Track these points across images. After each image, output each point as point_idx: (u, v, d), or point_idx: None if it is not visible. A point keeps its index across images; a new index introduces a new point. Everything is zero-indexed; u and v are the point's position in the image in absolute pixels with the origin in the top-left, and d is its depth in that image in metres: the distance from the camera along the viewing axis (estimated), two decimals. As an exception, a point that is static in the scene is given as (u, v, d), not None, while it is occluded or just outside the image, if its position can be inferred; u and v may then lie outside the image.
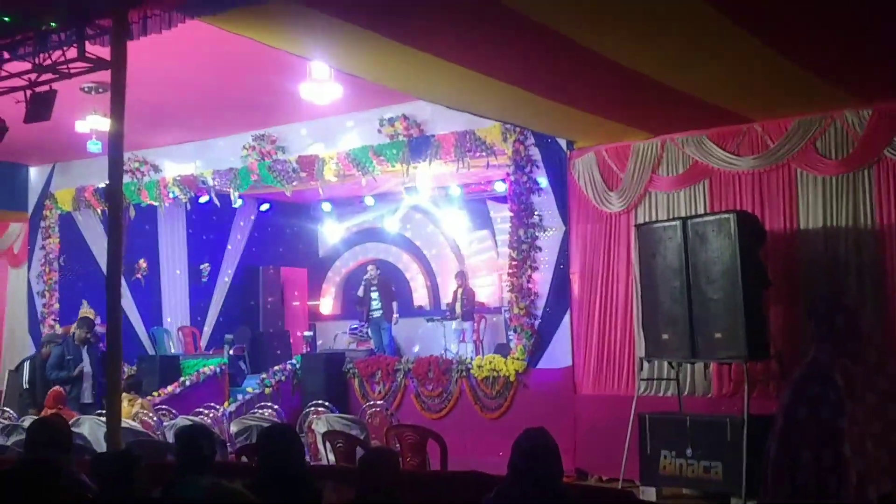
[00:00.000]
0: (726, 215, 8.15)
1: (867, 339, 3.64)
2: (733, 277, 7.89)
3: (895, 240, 8.14)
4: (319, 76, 9.03)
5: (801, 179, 8.65)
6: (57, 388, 10.39)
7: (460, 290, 14.07)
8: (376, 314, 14.00)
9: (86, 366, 11.25)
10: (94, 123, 10.56)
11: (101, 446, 7.93)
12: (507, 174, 10.57)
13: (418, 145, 10.79)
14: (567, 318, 10.00)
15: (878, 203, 8.24)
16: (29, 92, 7.45)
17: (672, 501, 8.22)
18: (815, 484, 3.47)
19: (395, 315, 14.09)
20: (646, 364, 8.96)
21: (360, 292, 14.25)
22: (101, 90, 9.51)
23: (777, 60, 6.94)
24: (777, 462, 3.62)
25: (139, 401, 10.59)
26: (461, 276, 14.50)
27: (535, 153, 10.24)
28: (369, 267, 14.53)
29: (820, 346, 3.75)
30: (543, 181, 10.24)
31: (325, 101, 9.32)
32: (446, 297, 15.44)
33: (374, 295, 14.03)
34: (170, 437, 8.70)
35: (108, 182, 7.40)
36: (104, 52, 6.85)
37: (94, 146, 10.92)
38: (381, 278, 14.28)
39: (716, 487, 7.75)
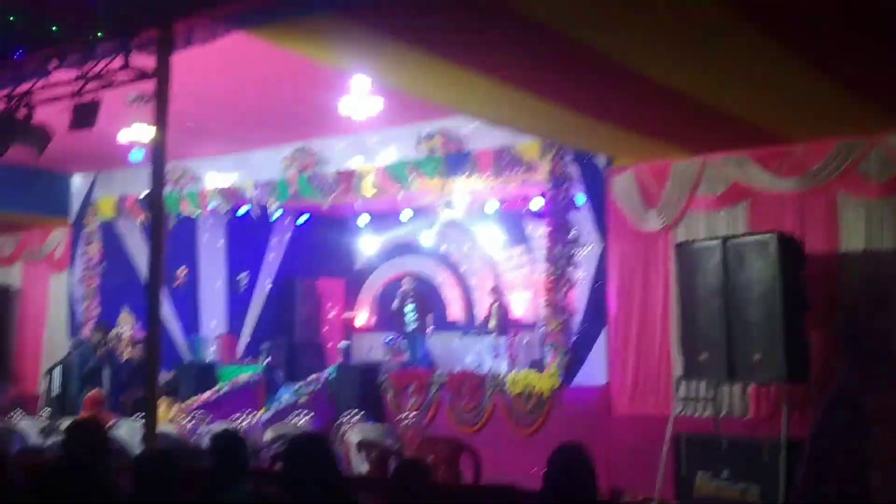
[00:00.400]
0: (767, 237, 8.07)
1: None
2: (773, 299, 7.80)
3: (938, 264, 8.03)
4: (359, 91, 9.11)
5: (843, 202, 8.55)
6: (95, 390, 10.52)
7: (495, 305, 14.04)
8: (411, 326, 14.02)
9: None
10: (136, 133, 10.71)
11: (137, 450, 8.02)
12: (544, 191, 10.57)
13: (456, 161, 10.83)
14: (603, 335, 9.95)
15: (921, 227, 8.14)
16: (74, 101, 7.58)
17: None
18: None
19: (430, 328, 14.10)
20: (683, 384, 8.88)
21: (396, 304, 14.30)
22: (145, 101, 9.66)
23: (819, 81, 6.89)
24: (804, 489, 3.57)
25: (176, 405, 10.70)
26: (496, 290, 14.48)
27: (573, 170, 10.22)
28: (405, 279, 14.57)
29: (848, 372, 3.70)
30: (581, 198, 10.22)
31: (364, 116, 9.39)
32: (481, 312, 15.44)
33: (410, 307, 14.05)
34: (204, 443, 8.78)
35: (149, 191, 7.51)
36: (149, 63, 6.97)
37: (137, 156, 11.08)
38: (417, 291, 14.30)
39: (751, 511, 7.65)
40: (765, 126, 8.27)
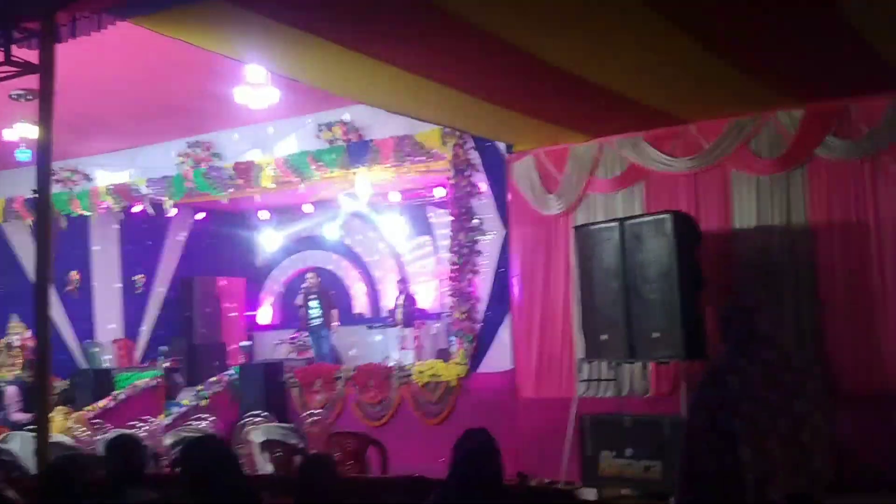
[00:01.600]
0: (662, 216, 8.21)
1: (767, 339, 3.60)
2: (669, 278, 7.94)
3: (827, 238, 8.30)
4: (255, 80, 8.91)
5: (736, 180, 8.78)
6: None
7: (402, 297, 14.00)
8: (315, 322, 13.84)
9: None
10: (22, 131, 10.27)
11: (31, 461, 7.68)
12: (447, 179, 10.55)
13: (357, 150, 10.71)
14: (508, 321, 10.00)
15: (810, 202, 8.40)
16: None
17: (613, 502, 8.23)
18: (715, 489, 3.46)
19: (335, 323, 13.95)
20: (585, 365, 8.99)
21: (299, 301, 14.10)
22: (29, 97, 9.26)
23: (711, 61, 7.02)
24: (682, 463, 3.61)
25: (73, 415, 10.32)
26: (403, 282, 14.44)
27: (475, 157, 10.23)
28: (308, 275, 14.38)
29: (719, 350, 3.76)
30: (483, 185, 10.24)
31: (261, 105, 9.19)
32: (387, 304, 15.37)
33: (314, 303, 13.88)
34: (102, 451, 8.47)
35: (36, 192, 7.19)
36: (33, 57, 6.65)
37: (23, 155, 10.63)
38: (321, 286, 14.13)
39: (655, 487, 7.76)
40: (659, 107, 8.41)
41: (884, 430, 7.57)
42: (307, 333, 14.17)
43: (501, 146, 10.12)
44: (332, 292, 14.56)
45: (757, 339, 3.63)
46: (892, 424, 7.63)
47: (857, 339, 8.07)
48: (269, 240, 16.64)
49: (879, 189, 8.09)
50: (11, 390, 10.54)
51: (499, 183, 10.14)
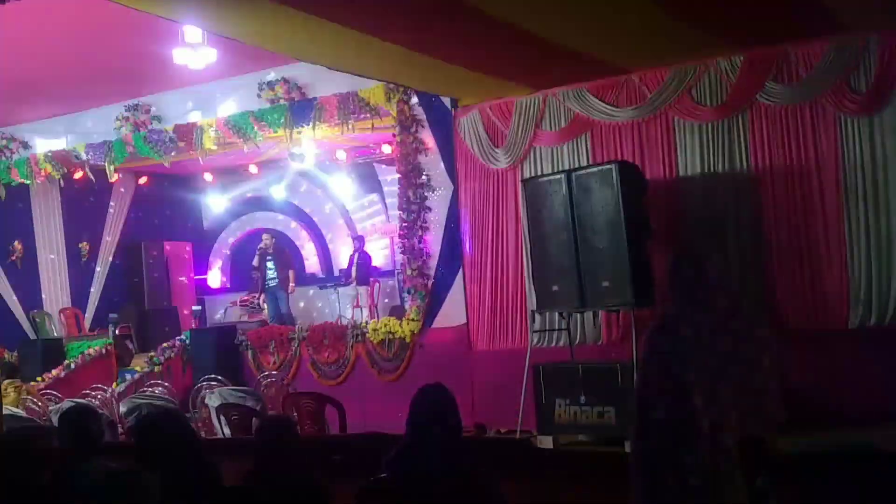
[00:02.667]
0: (608, 166, 8.30)
1: (716, 286, 3.66)
2: (617, 227, 8.05)
3: (770, 183, 8.45)
4: (192, 40, 8.75)
5: (679, 128, 8.87)
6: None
7: (356, 255, 13.99)
8: (272, 283, 13.74)
9: None
10: (-47, 99, 9.99)
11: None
12: (393, 136, 10.49)
13: (300, 109, 10.59)
14: (460, 276, 10.05)
15: (752, 148, 8.53)
16: None
17: (568, 449, 8.39)
18: (669, 439, 3.53)
19: (292, 284, 13.87)
20: (537, 316, 9.09)
21: (256, 262, 13.93)
22: (-42, 63, 8.98)
23: (651, 10, 7.05)
24: (636, 417, 3.68)
25: (24, 387, 10.18)
26: (359, 240, 14.41)
27: (420, 113, 10.18)
28: (264, 236, 14.21)
29: (669, 299, 3.81)
30: (430, 141, 10.20)
31: (200, 65, 9.03)
32: (339, 264, 15.32)
33: (270, 264, 13.75)
34: (56, 422, 8.39)
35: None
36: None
37: (-44, 124, 10.35)
38: (277, 247, 14.02)
39: (610, 432, 7.93)
40: (601, 57, 8.44)
41: (828, 368, 7.80)
42: (263, 295, 14.06)
43: (447, 101, 10.08)
44: (289, 255, 14.44)
45: (706, 287, 3.67)
46: (835, 361, 7.86)
47: (801, 281, 8.27)
48: (215, 202, 16.43)
49: (819, 133, 8.24)
50: None
51: (446, 138, 10.12)
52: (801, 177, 8.32)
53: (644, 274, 8.07)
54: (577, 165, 9.05)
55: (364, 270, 13.88)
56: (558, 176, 8.60)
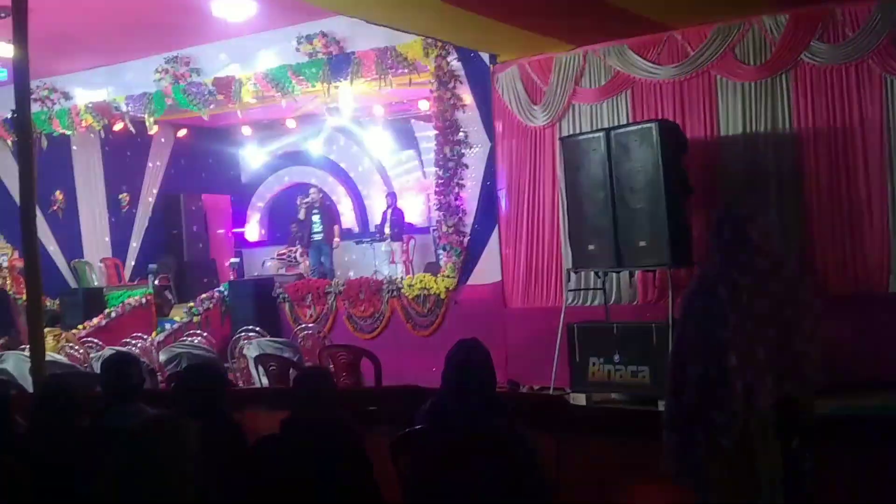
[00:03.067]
0: (648, 125, 8.21)
1: (759, 248, 3.62)
2: (656, 186, 7.98)
3: (812, 144, 8.31)
4: (233, -8, 8.73)
5: (721, 86, 8.73)
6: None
7: (389, 211, 14.02)
8: (317, 237, 13.84)
9: None
10: (-3, 50, 10.05)
11: (26, 381, 7.76)
12: (431, 91, 10.43)
13: (338, 63, 10.55)
14: (495, 233, 10.04)
15: (795, 108, 8.38)
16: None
17: (602, 405, 8.41)
18: (702, 398, 3.53)
19: (337, 239, 13.97)
20: (573, 275, 9.07)
21: (302, 215, 14.03)
22: (3, 15, 9.03)
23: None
24: (671, 370, 3.68)
25: (64, 335, 10.37)
26: (391, 196, 14.43)
27: (458, 68, 10.10)
28: (311, 190, 14.27)
29: (709, 259, 3.78)
30: (468, 97, 10.14)
31: (240, 18, 9.04)
32: (374, 220, 15.37)
33: (316, 218, 13.84)
34: (97, 369, 8.56)
35: (15, 111, 7.11)
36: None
37: (-1, 74, 10.45)
38: (323, 201, 14.09)
39: (643, 391, 7.94)
40: (644, 14, 8.30)
41: (867, 330, 7.72)
42: (301, 248, 14.14)
43: (485, 57, 9.99)
44: (335, 210, 14.49)
45: (748, 248, 3.64)
46: (874, 324, 7.78)
47: (841, 243, 8.18)
48: (252, 156, 16.52)
49: (864, 94, 8.08)
50: None
51: (483, 95, 10.05)
52: (845, 139, 8.18)
53: (682, 234, 8.02)
54: (616, 124, 8.96)
55: (398, 226, 13.93)
56: (597, 134, 8.52)
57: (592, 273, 8.98)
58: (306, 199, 14.03)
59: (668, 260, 7.94)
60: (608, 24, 8.57)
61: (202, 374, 4.50)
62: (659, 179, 7.95)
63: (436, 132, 10.35)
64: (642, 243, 8.07)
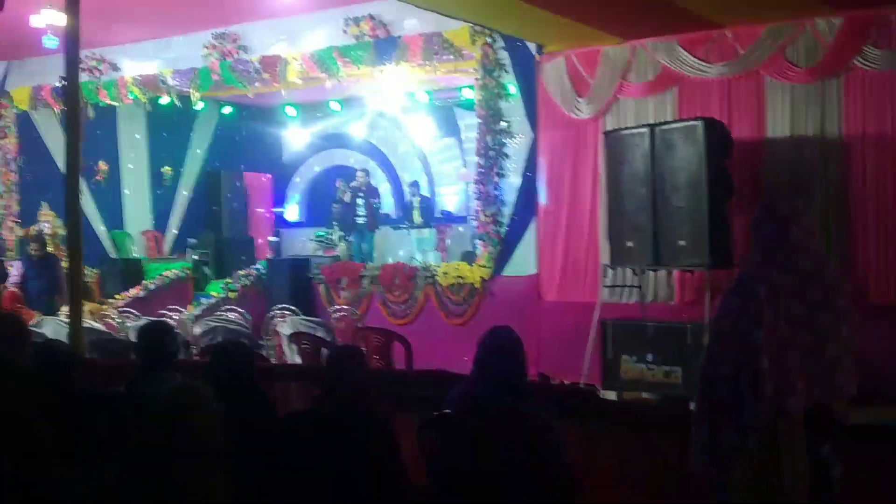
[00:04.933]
0: (694, 123, 8.12)
1: (799, 247, 3.56)
2: (698, 186, 7.90)
3: (860, 150, 8.19)
4: (283, -29, 8.76)
5: (770, 87, 8.62)
6: (11, 288, 10.20)
7: (416, 199, 14.07)
8: (360, 220, 13.90)
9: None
10: (49, 18, 10.17)
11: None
12: (475, 79, 10.41)
13: (384, 47, 10.56)
14: (533, 225, 10.01)
15: (845, 113, 8.26)
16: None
17: (633, 400, 8.37)
18: (733, 397, 3.49)
19: (378, 224, 14.05)
20: (609, 271, 9.02)
21: (348, 198, 14.08)
22: (56, -16, 9.17)
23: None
24: (702, 375, 3.64)
25: (89, 307, 10.50)
26: (414, 185, 14.55)
27: (504, 57, 10.05)
28: (358, 173, 14.30)
29: (750, 258, 3.72)
30: (512, 87, 10.10)
31: (289, -3, 9.05)
32: (411, 206, 15.40)
33: (360, 201, 13.90)
34: (133, 338, 8.67)
35: (64, 80, 7.21)
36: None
37: (50, 42, 10.54)
38: (368, 185, 14.15)
39: (675, 391, 7.89)
40: (694, 10, 8.21)
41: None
42: (345, 232, 14.20)
43: (532, 47, 9.94)
44: (378, 191, 14.54)
45: (789, 249, 3.59)
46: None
47: (884, 251, 8.05)
48: (295, 136, 16.61)
49: (917, 102, 7.94)
50: (17, 266, 10.64)
51: (528, 85, 10.00)
52: (894, 146, 8.04)
53: (723, 235, 7.94)
54: (661, 120, 8.88)
55: (432, 214, 13.96)
56: (642, 130, 8.45)
57: (629, 270, 8.92)
58: (353, 183, 14.08)
59: (707, 261, 7.86)
60: (658, 18, 8.48)
61: (235, 346, 4.55)
62: (702, 178, 7.86)
63: (478, 121, 10.32)
64: (682, 242, 7.99)
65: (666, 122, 8.59)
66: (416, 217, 14.11)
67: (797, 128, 8.45)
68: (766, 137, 8.60)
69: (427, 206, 14.37)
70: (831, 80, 8.31)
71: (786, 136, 8.49)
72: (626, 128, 8.89)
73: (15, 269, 10.38)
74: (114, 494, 3.16)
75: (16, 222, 13.56)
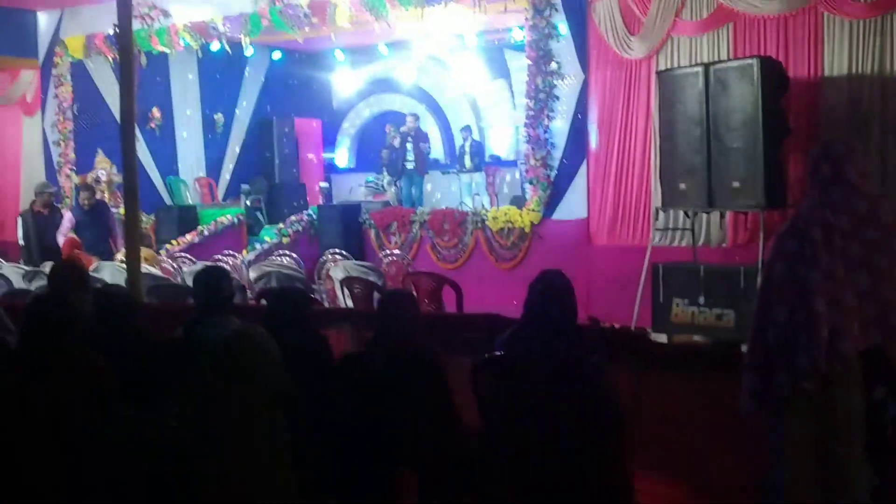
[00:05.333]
0: (749, 61, 7.93)
1: (855, 188, 3.49)
2: (753, 126, 7.74)
3: (922, 87, 7.95)
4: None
5: (828, 24, 8.35)
6: (71, 235, 10.41)
7: (467, 144, 13.99)
8: (410, 166, 13.90)
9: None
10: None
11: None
12: (525, 19, 10.26)
13: (432, -12, 10.45)
14: (584, 168, 9.91)
15: (906, 49, 8.01)
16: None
17: (684, 344, 8.34)
18: (787, 340, 3.45)
19: (428, 169, 14.05)
20: (661, 214, 8.93)
21: (397, 143, 14.07)
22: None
23: None
24: (758, 312, 3.61)
25: (158, 248, 10.71)
26: (466, 130, 14.44)
27: (555, -3, 9.90)
28: (408, 118, 14.27)
29: (805, 199, 3.66)
30: (563, 27, 9.93)
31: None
32: (460, 150, 15.35)
33: (409, 146, 13.89)
34: (190, 283, 8.84)
35: (117, 28, 7.27)
36: None
37: (102, -11, 10.64)
38: (418, 130, 14.12)
39: (727, 335, 7.82)
40: (751, -55, 7.98)
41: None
42: (394, 177, 14.23)
43: (583, -15, 9.77)
44: (427, 136, 14.50)
45: (844, 187, 3.53)
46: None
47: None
48: (344, 81, 16.59)
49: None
50: (68, 215, 10.85)
51: (579, 25, 9.83)
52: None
53: (778, 176, 7.80)
54: (716, 59, 8.69)
55: (482, 157, 13.88)
56: (695, 69, 8.28)
57: (682, 213, 8.82)
58: (403, 127, 14.06)
59: (762, 202, 7.73)
60: (713, -46, 8.26)
61: (292, 291, 4.63)
62: (757, 119, 7.70)
63: (528, 62, 10.19)
64: (736, 184, 7.87)
65: (720, 61, 8.41)
66: (468, 161, 14.05)
67: (855, 65, 8.20)
68: (823, 76, 8.36)
69: (477, 150, 14.30)
70: (891, 15, 8.03)
71: (843, 75, 8.25)
72: (680, 67, 8.72)
73: (66, 219, 10.58)
74: (175, 435, 3.28)
75: (72, 170, 13.79)
